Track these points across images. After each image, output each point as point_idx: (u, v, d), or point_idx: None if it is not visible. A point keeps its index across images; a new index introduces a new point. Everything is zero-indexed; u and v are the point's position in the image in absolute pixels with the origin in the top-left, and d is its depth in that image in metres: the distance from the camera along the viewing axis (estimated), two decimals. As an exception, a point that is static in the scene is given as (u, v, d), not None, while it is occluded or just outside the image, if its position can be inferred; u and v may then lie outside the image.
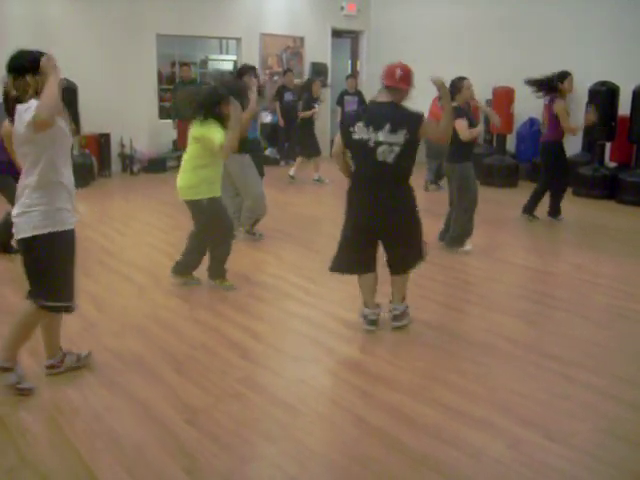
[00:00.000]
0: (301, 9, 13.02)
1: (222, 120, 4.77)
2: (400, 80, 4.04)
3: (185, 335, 4.29)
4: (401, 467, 2.88)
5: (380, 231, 4.21)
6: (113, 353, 3.92)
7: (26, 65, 3.16)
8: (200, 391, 3.53)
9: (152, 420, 3.23)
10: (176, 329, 4.39)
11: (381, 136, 3.96)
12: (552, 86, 7.33)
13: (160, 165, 11.19)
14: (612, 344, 4.29)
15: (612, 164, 9.93)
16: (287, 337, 4.35)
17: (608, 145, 9.77)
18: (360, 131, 4.03)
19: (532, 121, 10.83)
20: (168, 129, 11.12)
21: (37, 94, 3.10)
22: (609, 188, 9.33)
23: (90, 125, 9.81)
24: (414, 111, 4.08)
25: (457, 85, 6.17)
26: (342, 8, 13.52)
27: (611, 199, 9.26)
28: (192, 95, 5.17)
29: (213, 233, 5.09)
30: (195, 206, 4.97)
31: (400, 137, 3.95)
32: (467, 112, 6.19)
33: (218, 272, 5.21)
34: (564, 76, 7.37)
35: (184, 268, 5.26)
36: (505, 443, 3.06)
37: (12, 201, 3.99)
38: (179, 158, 11.49)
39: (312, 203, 8.98)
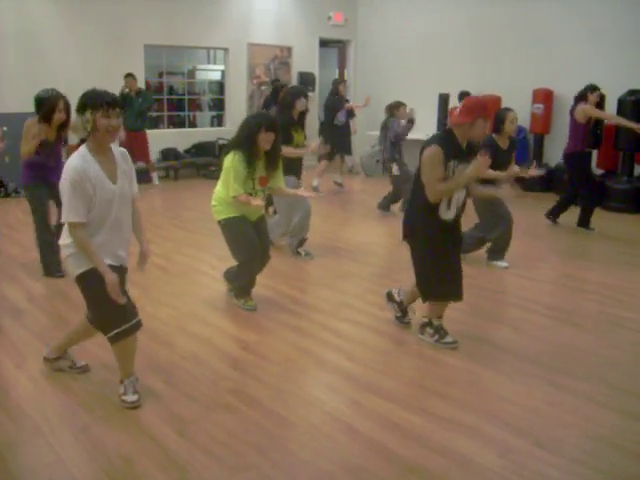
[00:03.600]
0: (289, 19, 13.06)
1: (255, 151, 4.67)
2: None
3: (175, 345, 4.28)
4: (391, 476, 2.87)
5: None
6: (102, 363, 3.89)
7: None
8: (190, 402, 3.51)
9: (141, 431, 3.21)
10: (166, 339, 4.37)
11: None
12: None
13: (147, 176, 11.15)
14: (602, 351, 4.31)
15: (599, 171, 10.01)
16: (277, 347, 4.34)
17: (595, 153, 9.85)
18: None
19: (519, 129, 10.90)
20: (155, 140, 11.10)
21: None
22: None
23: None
24: (429, 140, 4.11)
25: (501, 116, 5.90)
26: (329, 18, 13.59)
27: (597, 206, 9.31)
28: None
29: (233, 253, 4.95)
30: (220, 226, 4.92)
31: None
32: (497, 148, 5.82)
33: (236, 291, 5.08)
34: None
35: (238, 291, 5.09)
36: (495, 451, 3.07)
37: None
38: (167, 169, 11.60)
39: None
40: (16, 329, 4.53)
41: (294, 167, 6.07)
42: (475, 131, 4.02)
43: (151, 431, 3.21)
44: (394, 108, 8.33)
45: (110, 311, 3.33)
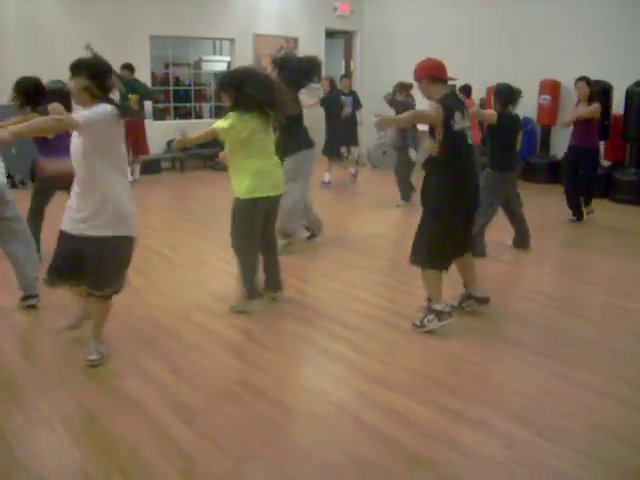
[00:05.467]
0: (294, 10, 13.03)
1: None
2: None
3: (180, 336, 4.29)
4: (396, 467, 2.88)
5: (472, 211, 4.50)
6: (110, 353, 3.91)
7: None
8: (196, 392, 3.53)
9: (148, 422, 3.23)
10: (171, 330, 4.38)
11: (468, 122, 4.30)
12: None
13: (154, 166, 11.18)
14: (607, 343, 4.30)
15: (606, 163, 9.97)
16: (283, 338, 4.35)
17: (602, 144, 9.81)
18: (460, 121, 4.21)
19: (525, 121, 10.86)
20: (162, 130, 11.12)
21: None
22: (603, 187, 9.36)
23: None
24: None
25: None
26: (335, 9, 13.54)
27: (605, 197, 9.30)
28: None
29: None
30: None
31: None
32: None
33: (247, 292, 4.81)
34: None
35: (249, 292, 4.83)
36: (500, 442, 3.07)
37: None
38: (173, 160, 11.60)
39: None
40: (22, 319, 4.56)
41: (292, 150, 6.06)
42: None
43: (157, 421, 3.23)
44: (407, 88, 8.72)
45: (125, 272, 3.79)
